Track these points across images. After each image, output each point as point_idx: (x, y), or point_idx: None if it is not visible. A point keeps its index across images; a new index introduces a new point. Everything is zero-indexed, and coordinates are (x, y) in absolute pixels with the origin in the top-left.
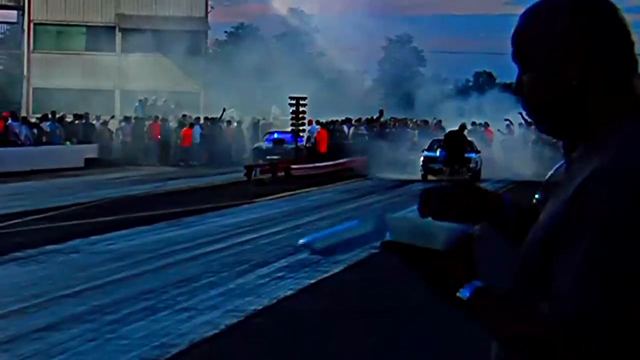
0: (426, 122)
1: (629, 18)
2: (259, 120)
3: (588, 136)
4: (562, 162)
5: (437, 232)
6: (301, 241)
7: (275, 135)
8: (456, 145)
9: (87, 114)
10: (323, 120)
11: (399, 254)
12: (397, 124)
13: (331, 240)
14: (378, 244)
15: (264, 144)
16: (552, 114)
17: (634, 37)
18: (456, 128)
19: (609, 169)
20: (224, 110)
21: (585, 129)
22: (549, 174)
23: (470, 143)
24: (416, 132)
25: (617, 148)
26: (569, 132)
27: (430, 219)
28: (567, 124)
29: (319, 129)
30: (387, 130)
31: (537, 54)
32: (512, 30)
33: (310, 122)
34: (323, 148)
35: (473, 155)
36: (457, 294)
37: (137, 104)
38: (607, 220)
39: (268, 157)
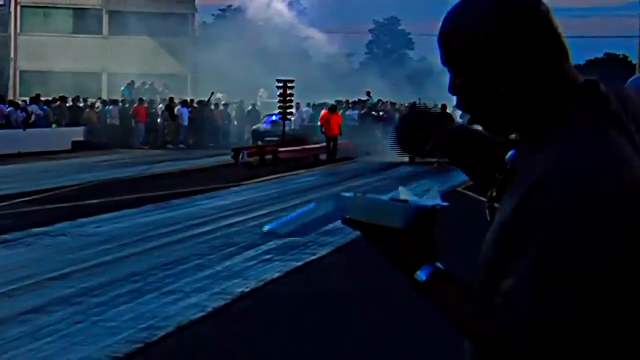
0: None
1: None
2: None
3: (528, 134)
4: (511, 152)
5: (394, 210)
6: (266, 228)
7: (274, 118)
8: None
9: (77, 97)
10: (312, 102)
11: (360, 231)
12: (385, 107)
13: (294, 224)
14: (340, 221)
15: (263, 126)
16: (486, 116)
17: (560, 28)
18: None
19: (554, 176)
20: (212, 93)
21: (524, 128)
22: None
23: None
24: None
25: (560, 150)
26: (506, 131)
27: (387, 198)
28: (504, 124)
29: (308, 111)
30: (375, 113)
31: (462, 62)
32: (438, 34)
33: (298, 105)
34: (335, 131)
35: None
36: (414, 276)
37: (123, 87)
38: (554, 228)
39: (267, 139)
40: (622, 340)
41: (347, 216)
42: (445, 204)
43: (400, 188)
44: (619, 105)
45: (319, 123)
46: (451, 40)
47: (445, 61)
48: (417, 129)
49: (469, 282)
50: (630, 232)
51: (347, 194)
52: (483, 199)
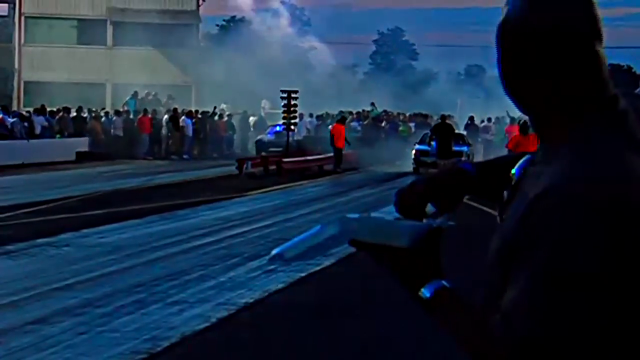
0: (425, 115)
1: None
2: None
3: (548, 136)
4: (527, 156)
5: (400, 230)
6: (273, 252)
7: (278, 128)
8: (444, 137)
9: (80, 107)
10: (315, 113)
11: (367, 252)
12: (388, 117)
13: (300, 248)
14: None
15: (267, 137)
16: (520, 106)
17: (603, 30)
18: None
19: (557, 189)
20: (215, 107)
21: (543, 129)
22: (514, 169)
23: (462, 136)
24: (412, 125)
25: (567, 163)
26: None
27: (392, 218)
28: (533, 119)
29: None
30: (380, 124)
31: (503, 46)
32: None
33: (301, 116)
34: (340, 143)
35: (465, 148)
36: (419, 293)
37: (128, 98)
38: (557, 242)
39: (271, 150)
40: (619, 355)
41: (353, 238)
42: (451, 223)
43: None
44: (637, 121)
45: (330, 133)
46: (509, 25)
47: (499, 43)
48: (420, 199)
49: (472, 300)
50: (630, 251)
51: (352, 215)
52: (487, 209)
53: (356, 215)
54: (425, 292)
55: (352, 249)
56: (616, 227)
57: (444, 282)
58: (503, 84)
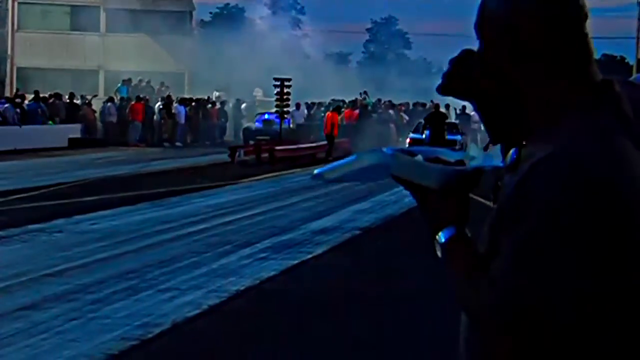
0: (423, 104)
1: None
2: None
3: (533, 132)
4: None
5: (430, 172)
6: (314, 172)
7: (266, 116)
8: (437, 126)
9: (72, 94)
10: (309, 101)
11: (404, 186)
12: (383, 106)
13: (339, 172)
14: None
15: (254, 125)
16: (495, 103)
17: (590, 26)
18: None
19: (553, 158)
20: (209, 98)
21: (529, 123)
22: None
23: (455, 125)
24: (403, 114)
25: (564, 139)
26: (506, 127)
27: (426, 160)
28: (507, 118)
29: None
30: (374, 113)
31: (485, 31)
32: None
33: (298, 105)
34: (335, 131)
35: (458, 137)
36: (437, 236)
37: (119, 84)
38: (547, 210)
39: (258, 138)
40: (595, 327)
41: (391, 172)
42: (500, 164)
43: (472, 145)
44: (630, 107)
45: (325, 121)
46: (488, 15)
47: (476, 25)
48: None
49: (480, 255)
50: (614, 227)
51: (388, 150)
52: (487, 202)
53: (391, 151)
54: (441, 236)
55: (345, 237)
56: (603, 204)
57: (462, 229)
58: (484, 78)
